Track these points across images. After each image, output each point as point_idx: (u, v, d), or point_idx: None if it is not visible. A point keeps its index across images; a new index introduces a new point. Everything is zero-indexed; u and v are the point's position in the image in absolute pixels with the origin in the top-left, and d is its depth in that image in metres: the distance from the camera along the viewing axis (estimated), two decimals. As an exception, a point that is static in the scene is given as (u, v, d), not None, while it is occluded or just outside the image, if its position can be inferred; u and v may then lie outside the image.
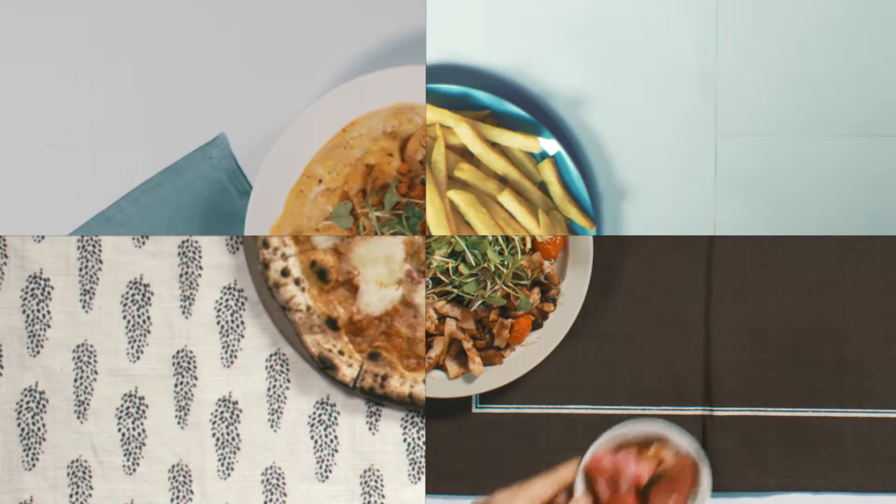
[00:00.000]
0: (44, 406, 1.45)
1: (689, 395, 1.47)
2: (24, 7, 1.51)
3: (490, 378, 1.44)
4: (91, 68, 1.51)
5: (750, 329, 1.47)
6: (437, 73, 1.50)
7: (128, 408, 1.45)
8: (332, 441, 1.46)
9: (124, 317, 1.46)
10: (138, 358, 1.46)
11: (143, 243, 1.46)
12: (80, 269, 1.46)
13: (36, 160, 1.50)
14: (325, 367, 1.43)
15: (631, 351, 1.48)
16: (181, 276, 1.46)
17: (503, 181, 1.47)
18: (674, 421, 1.47)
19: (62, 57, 1.51)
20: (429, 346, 1.44)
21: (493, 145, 1.46)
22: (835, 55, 1.50)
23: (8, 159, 1.50)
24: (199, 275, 1.47)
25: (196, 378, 1.46)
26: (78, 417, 1.45)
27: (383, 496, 1.45)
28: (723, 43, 1.50)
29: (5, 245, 1.46)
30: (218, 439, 1.46)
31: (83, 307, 1.46)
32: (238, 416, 1.45)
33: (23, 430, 1.44)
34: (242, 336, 1.46)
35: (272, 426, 1.46)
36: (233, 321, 1.46)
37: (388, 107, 1.47)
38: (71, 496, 1.45)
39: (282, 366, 1.46)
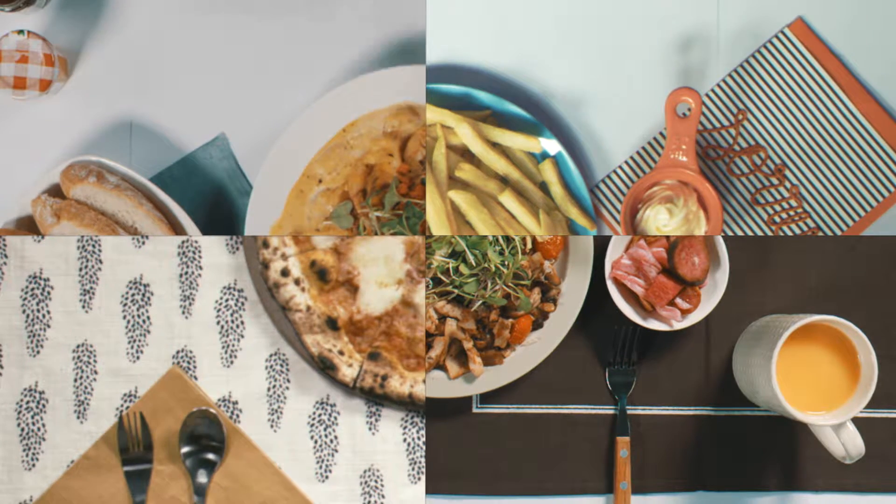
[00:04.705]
0: (44, 406, 1.45)
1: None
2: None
3: (490, 378, 1.44)
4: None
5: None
6: (437, 73, 1.50)
7: (128, 408, 1.45)
8: (331, 441, 1.46)
9: (124, 317, 1.46)
10: (138, 358, 1.45)
11: (143, 243, 1.46)
12: (80, 269, 1.46)
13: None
14: (325, 367, 1.43)
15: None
16: (181, 276, 1.46)
17: (504, 181, 1.47)
18: (675, 420, 1.48)
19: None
20: (429, 346, 1.44)
21: (494, 145, 1.46)
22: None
23: None
24: (199, 275, 1.46)
25: (196, 378, 1.45)
26: (78, 417, 1.45)
27: (383, 496, 1.45)
28: (723, 43, 1.50)
29: (5, 245, 1.46)
30: (218, 439, 1.46)
31: (83, 307, 1.46)
32: (238, 416, 1.45)
33: (23, 430, 1.44)
34: (242, 336, 1.46)
35: (272, 426, 1.45)
36: (233, 321, 1.46)
37: (388, 107, 1.47)
38: (71, 496, 1.45)
39: (282, 366, 1.46)
